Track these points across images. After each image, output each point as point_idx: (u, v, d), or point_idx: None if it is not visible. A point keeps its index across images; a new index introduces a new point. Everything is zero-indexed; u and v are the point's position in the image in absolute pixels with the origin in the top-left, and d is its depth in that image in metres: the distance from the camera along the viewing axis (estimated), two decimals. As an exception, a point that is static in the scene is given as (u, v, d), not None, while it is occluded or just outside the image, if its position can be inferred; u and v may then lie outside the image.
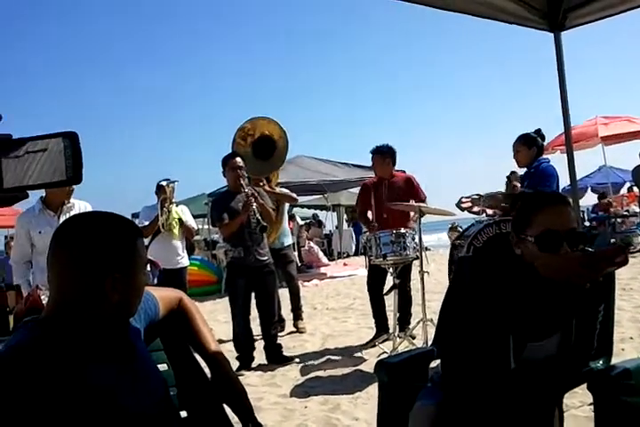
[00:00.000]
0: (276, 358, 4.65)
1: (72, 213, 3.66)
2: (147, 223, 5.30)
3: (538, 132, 4.51)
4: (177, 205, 5.53)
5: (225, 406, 1.51)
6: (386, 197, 4.98)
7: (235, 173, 4.57)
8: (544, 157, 4.56)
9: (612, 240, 10.16)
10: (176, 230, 5.39)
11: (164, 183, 5.42)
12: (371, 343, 4.82)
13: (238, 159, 4.63)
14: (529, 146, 4.41)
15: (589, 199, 16.51)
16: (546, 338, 1.61)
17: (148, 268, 4.61)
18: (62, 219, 3.61)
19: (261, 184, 5.20)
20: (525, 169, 4.66)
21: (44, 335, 1.13)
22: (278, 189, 5.75)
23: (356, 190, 16.83)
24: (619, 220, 10.91)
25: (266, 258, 4.67)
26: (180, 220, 5.41)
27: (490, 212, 5.73)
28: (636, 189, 12.08)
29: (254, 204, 4.43)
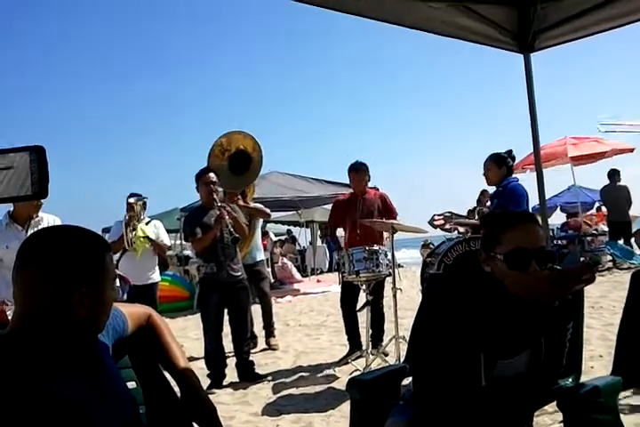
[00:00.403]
0: (249, 376, 4.59)
1: (40, 226, 3.60)
2: (115, 239, 5.24)
3: (509, 153, 4.58)
4: (148, 222, 5.46)
5: (194, 424, 1.49)
6: (360, 214, 5.02)
7: (208, 187, 4.56)
8: (513, 176, 4.64)
9: (582, 259, 10.34)
10: (141, 249, 5.29)
11: (131, 200, 5.37)
12: (344, 360, 4.80)
13: (212, 174, 4.62)
14: (499, 165, 4.48)
15: (558, 218, 16.80)
16: (515, 356, 1.62)
17: (118, 283, 4.55)
18: (30, 233, 3.55)
19: (236, 199, 5.20)
20: (494, 188, 4.75)
21: (7, 350, 1.11)
22: (252, 204, 5.74)
23: (330, 207, 16.88)
24: (588, 238, 11.10)
25: (239, 274, 4.63)
26: (147, 237, 5.34)
27: (462, 229, 5.81)
28: (604, 208, 12.32)
29: (227, 218, 4.41)
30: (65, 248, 1.16)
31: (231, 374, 4.64)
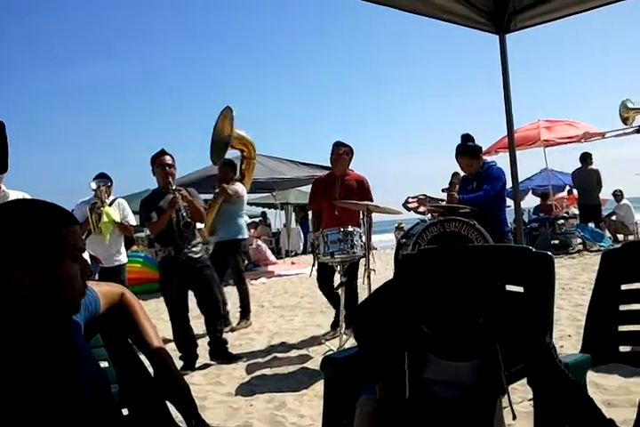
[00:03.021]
0: (221, 355, 4.58)
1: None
2: (80, 222, 5.15)
3: (469, 137, 4.48)
4: (112, 202, 5.41)
5: (168, 403, 1.48)
6: (338, 195, 5.03)
7: (164, 171, 4.45)
8: (489, 159, 4.65)
9: (553, 242, 10.51)
10: (108, 233, 5.24)
11: (94, 186, 5.30)
12: (332, 333, 4.95)
13: (167, 157, 4.50)
14: (477, 156, 4.46)
15: (530, 201, 17.03)
16: (462, 360, 1.53)
17: (89, 262, 4.49)
18: None
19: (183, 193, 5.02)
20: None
21: None
22: (231, 189, 5.79)
23: (306, 189, 16.83)
24: (559, 221, 11.27)
25: (199, 255, 4.54)
26: (113, 222, 5.28)
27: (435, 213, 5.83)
28: (575, 191, 12.51)
29: (181, 202, 4.33)
30: (9, 219, 1.14)
31: (204, 356, 4.63)
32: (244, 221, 6.33)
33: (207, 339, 4.67)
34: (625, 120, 7.59)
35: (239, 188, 6.03)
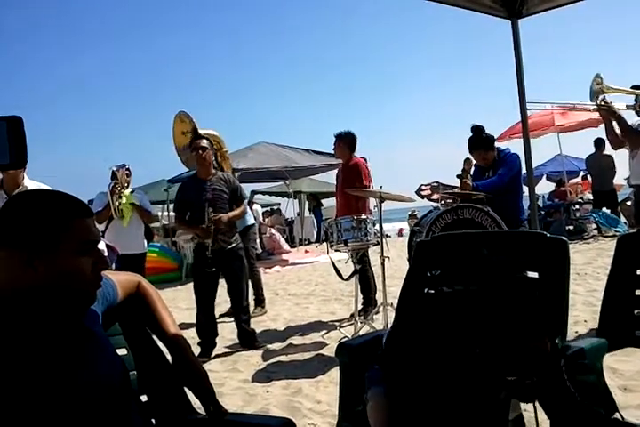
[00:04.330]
0: (247, 343, 4.65)
1: None
2: (100, 209, 5.22)
3: (479, 129, 4.44)
4: (131, 192, 5.46)
5: (186, 389, 1.50)
6: (341, 183, 5.27)
7: (198, 154, 4.48)
8: (503, 146, 4.61)
9: (568, 227, 10.43)
10: (128, 216, 5.32)
11: (114, 168, 5.37)
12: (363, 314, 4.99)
13: (203, 140, 4.58)
14: (490, 147, 4.42)
15: (544, 187, 16.89)
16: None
17: (106, 253, 4.54)
18: None
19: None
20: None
21: None
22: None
23: (319, 177, 16.86)
24: (574, 207, 11.17)
25: (232, 246, 4.56)
26: (132, 204, 5.34)
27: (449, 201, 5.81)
28: (589, 177, 12.38)
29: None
30: (15, 209, 1.16)
31: (221, 343, 4.68)
32: (245, 205, 6.25)
33: (224, 327, 4.72)
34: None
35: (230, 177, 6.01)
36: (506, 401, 1.53)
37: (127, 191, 5.36)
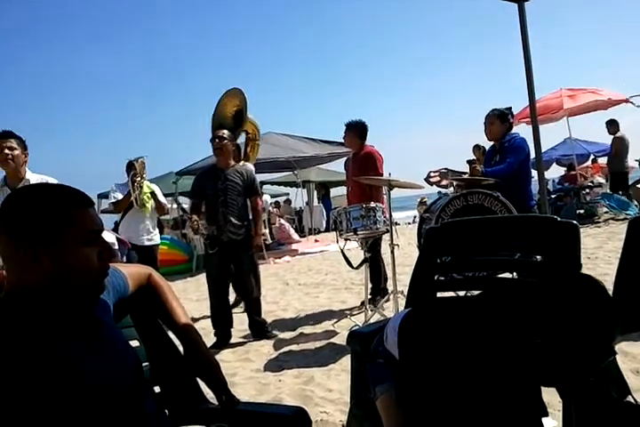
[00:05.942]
0: (259, 334, 4.68)
1: None
2: (120, 197, 5.26)
3: (509, 109, 4.58)
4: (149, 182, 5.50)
5: (198, 380, 1.51)
6: (352, 172, 5.24)
7: (214, 145, 4.58)
8: (514, 131, 4.61)
9: (579, 211, 10.37)
10: (149, 205, 5.36)
11: (132, 159, 5.40)
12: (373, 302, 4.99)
13: (223, 130, 4.65)
14: (502, 120, 4.50)
15: (554, 171, 16.79)
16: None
17: (116, 246, 4.57)
18: None
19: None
20: (492, 143, 4.71)
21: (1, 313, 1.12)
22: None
23: (326, 166, 16.81)
24: (584, 191, 11.10)
25: (241, 237, 4.59)
26: (152, 193, 5.37)
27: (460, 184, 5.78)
28: (600, 160, 12.28)
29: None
30: (18, 203, 1.15)
31: (232, 334, 4.71)
32: (261, 203, 6.31)
33: (234, 319, 4.75)
34: None
35: (250, 167, 6.05)
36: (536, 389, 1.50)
37: (146, 182, 5.40)
